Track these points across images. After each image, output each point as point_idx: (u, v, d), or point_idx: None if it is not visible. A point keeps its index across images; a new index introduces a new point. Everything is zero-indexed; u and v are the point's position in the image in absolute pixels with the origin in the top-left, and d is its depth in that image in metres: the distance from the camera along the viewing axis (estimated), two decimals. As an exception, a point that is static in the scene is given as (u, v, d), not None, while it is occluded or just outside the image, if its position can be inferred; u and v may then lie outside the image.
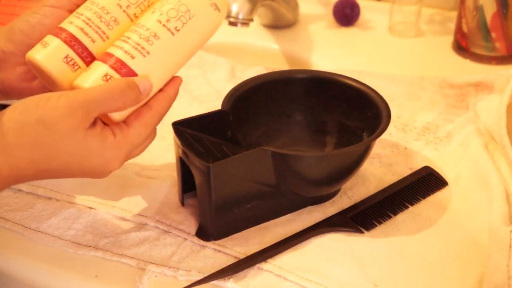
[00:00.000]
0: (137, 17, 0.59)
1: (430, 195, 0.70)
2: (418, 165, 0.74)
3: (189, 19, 0.58)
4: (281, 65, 1.01)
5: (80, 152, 0.55)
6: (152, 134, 0.61)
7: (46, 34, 0.59)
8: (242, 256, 0.62)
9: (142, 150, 0.61)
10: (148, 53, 0.57)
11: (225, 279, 0.60)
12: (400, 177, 0.72)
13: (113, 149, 0.57)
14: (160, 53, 0.58)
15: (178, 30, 0.58)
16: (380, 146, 0.77)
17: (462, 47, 0.97)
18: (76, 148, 0.55)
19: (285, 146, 0.74)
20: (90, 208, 0.68)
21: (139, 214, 0.67)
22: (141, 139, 0.59)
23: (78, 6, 0.60)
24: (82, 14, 0.58)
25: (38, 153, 0.54)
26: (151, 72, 0.57)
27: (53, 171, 0.56)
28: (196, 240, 0.64)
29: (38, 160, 0.54)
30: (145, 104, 0.59)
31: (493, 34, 0.93)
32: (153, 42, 0.57)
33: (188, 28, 0.58)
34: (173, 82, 0.61)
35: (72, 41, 0.58)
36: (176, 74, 0.62)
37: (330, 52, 0.99)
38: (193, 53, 0.61)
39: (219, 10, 0.59)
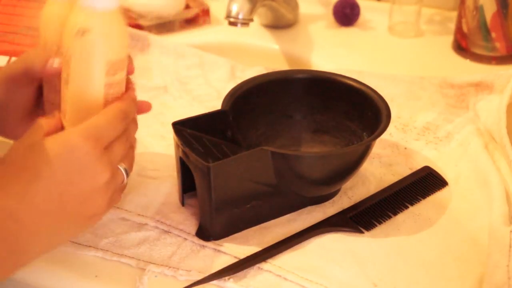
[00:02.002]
0: None
1: (430, 195, 0.70)
2: (418, 165, 0.74)
3: (71, 58, 0.58)
4: (281, 65, 1.01)
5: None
6: (123, 123, 0.58)
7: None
8: (242, 256, 0.62)
9: (125, 144, 0.59)
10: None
11: (225, 279, 0.60)
12: (400, 177, 0.72)
13: (74, 134, 0.55)
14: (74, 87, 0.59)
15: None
16: (380, 146, 0.77)
17: (462, 47, 0.97)
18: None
19: (285, 146, 0.74)
20: (90, 208, 0.68)
21: (139, 214, 0.67)
22: (104, 122, 0.57)
23: None
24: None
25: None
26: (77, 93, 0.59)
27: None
28: (196, 240, 0.64)
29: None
30: None
31: (493, 34, 0.93)
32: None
33: (74, 66, 0.59)
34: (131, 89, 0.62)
35: None
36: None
37: (330, 52, 0.99)
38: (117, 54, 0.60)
39: (86, 32, 0.57)
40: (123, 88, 0.61)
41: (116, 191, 0.59)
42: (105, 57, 0.58)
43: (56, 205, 0.54)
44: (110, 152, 0.57)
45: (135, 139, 0.63)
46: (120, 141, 0.58)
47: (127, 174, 0.59)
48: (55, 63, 0.63)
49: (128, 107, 0.59)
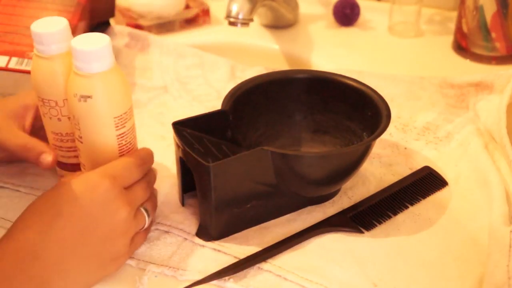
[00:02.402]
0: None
1: (430, 195, 0.70)
2: (418, 165, 0.74)
3: (79, 120, 0.61)
4: (281, 65, 1.01)
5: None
6: (140, 168, 0.61)
7: None
8: (242, 256, 0.62)
9: (145, 189, 0.62)
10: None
11: (225, 279, 0.60)
12: (400, 177, 0.72)
13: (93, 173, 0.58)
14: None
15: (81, 138, 0.63)
16: (380, 146, 0.77)
17: (462, 47, 0.97)
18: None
19: (285, 146, 0.74)
20: (90, 208, 0.68)
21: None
22: (121, 164, 0.60)
23: None
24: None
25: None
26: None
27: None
28: (196, 240, 0.64)
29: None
30: None
31: (493, 34, 0.93)
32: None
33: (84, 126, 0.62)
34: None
35: None
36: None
37: (330, 52, 0.99)
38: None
39: (88, 97, 0.60)
40: (135, 133, 0.64)
41: (139, 234, 0.61)
42: (111, 114, 0.61)
43: (79, 242, 0.55)
44: (129, 192, 0.59)
45: (156, 190, 0.67)
46: (140, 185, 0.61)
47: (149, 217, 0.62)
48: (47, 158, 0.65)
49: (145, 155, 0.63)
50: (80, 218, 0.55)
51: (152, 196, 0.64)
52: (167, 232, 0.65)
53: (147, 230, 0.63)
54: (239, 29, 0.91)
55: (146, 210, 0.61)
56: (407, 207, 0.68)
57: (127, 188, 0.59)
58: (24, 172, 0.73)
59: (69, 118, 0.64)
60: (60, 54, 0.63)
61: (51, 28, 0.62)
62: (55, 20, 0.64)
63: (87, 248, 0.56)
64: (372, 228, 0.66)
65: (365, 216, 0.67)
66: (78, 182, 0.57)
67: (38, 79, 0.64)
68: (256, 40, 1.04)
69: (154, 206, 0.64)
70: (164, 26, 1.03)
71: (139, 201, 0.61)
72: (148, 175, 0.63)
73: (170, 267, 0.61)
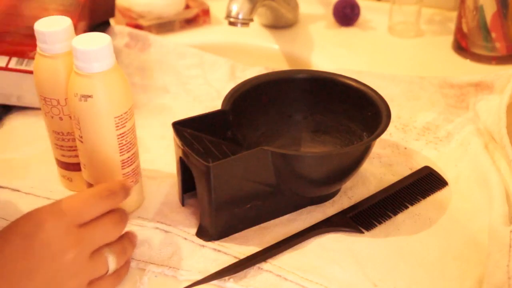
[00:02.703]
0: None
1: (430, 195, 0.70)
2: (418, 165, 0.74)
3: (80, 120, 0.61)
4: (281, 65, 1.01)
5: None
6: (105, 201, 0.55)
7: None
8: (242, 256, 0.62)
9: (108, 226, 0.54)
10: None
11: (225, 279, 0.60)
12: (400, 177, 0.72)
13: (41, 209, 0.52)
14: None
15: (82, 137, 0.62)
16: (380, 146, 0.77)
17: (462, 47, 0.97)
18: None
19: (285, 146, 0.74)
20: (90, 208, 0.68)
21: (139, 216, 0.67)
22: (80, 198, 0.54)
23: None
24: None
25: None
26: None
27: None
28: (196, 240, 0.64)
29: None
30: None
31: (493, 34, 0.93)
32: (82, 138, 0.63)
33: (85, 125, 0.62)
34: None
35: None
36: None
37: (330, 52, 0.99)
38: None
39: (88, 97, 0.59)
40: (135, 133, 0.64)
41: (104, 280, 0.55)
42: (112, 114, 0.61)
43: (20, 284, 0.51)
44: (85, 230, 0.53)
45: (133, 234, 0.60)
46: (103, 222, 0.54)
47: (115, 261, 0.56)
48: None
49: (114, 187, 0.56)
50: (23, 258, 0.51)
51: (124, 239, 0.57)
52: (167, 232, 0.65)
53: (118, 276, 0.57)
54: (239, 29, 0.91)
55: (113, 254, 0.55)
56: (407, 207, 0.68)
57: (84, 224, 0.53)
58: (24, 172, 0.73)
59: (70, 117, 0.65)
60: (63, 53, 0.63)
61: (55, 27, 0.62)
62: (58, 19, 0.64)
63: None
64: (372, 228, 0.66)
65: (365, 216, 0.67)
66: (24, 220, 0.52)
67: (41, 78, 0.64)
68: (256, 40, 1.04)
69: (125, 250, 0.57)
70: (164, 26, 1.04)
71: (99, 241, 0.54)
72: (117, 212, 0.56)
73: (170, 267, 0.61)
